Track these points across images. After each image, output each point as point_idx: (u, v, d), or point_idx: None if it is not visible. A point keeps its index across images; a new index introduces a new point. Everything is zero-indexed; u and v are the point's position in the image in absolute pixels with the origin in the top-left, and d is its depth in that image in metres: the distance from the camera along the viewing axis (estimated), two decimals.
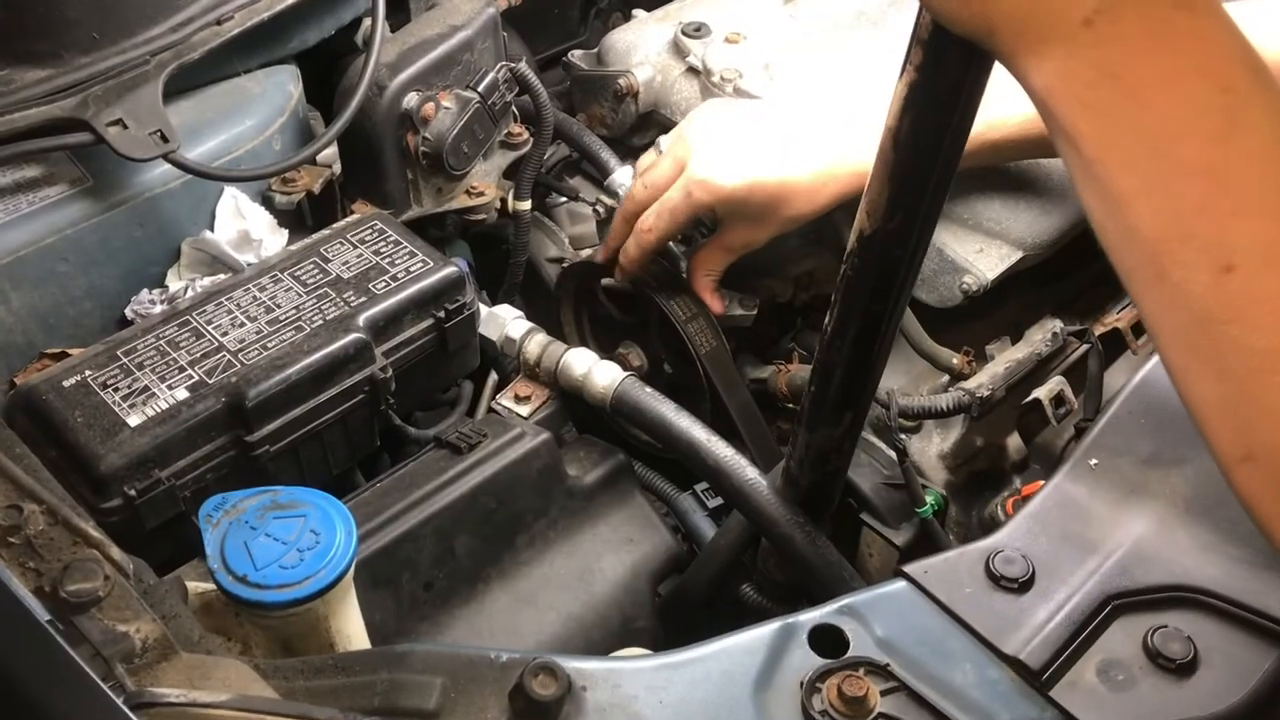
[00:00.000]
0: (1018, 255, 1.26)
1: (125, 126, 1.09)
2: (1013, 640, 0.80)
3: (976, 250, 1.27)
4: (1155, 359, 0.98)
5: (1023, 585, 0.83)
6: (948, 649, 0.80)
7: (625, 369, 1.23)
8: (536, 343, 1.24)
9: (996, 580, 0.84)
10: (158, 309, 1.14)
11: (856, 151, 1.13)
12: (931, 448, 1.33)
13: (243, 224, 1.19)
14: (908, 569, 0.86)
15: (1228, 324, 0.56)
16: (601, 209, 1.40)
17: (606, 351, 1.36)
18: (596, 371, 1.20)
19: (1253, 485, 0.59)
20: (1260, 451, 0.57)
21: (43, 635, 0.69)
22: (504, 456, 1.12)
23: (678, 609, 1.20)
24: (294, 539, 0.87)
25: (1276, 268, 0.56)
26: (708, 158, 1.16)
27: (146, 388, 1.01)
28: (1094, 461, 0.92)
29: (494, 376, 1.33)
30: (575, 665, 0.77)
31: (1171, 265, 0.57)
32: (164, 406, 1.00)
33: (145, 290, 1.16)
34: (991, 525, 1.28)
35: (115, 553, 0.78)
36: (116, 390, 1.01)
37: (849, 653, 0.80)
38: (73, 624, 0.74)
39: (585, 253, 1.46)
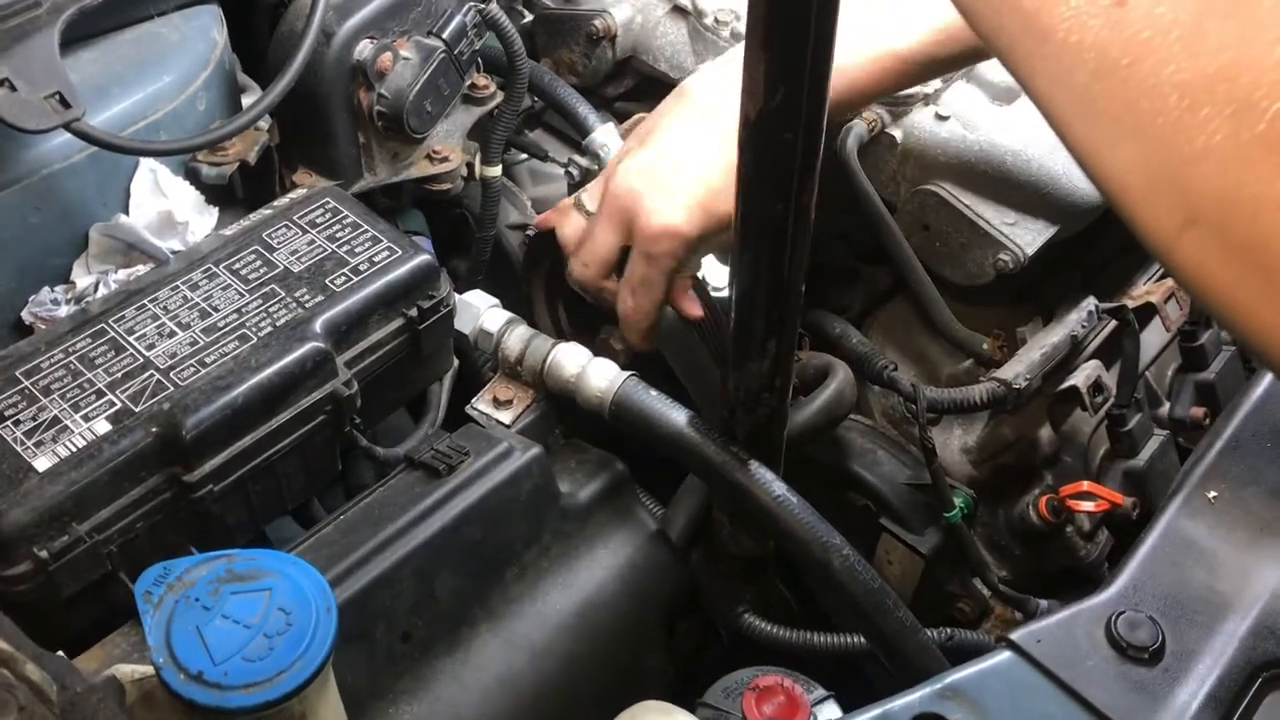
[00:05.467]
0: (1054, 228, 1.14)
1: (13, 88, 0.88)
2: None
3: (1009, 223, 1.15)
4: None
5: (1153, 655, 0.71)
6: None
7: (609, 356, 1.06)
8: (518, 337, 1.07)
9: (1122, 649, 0.71)
10: (63, 311, 0.94)
11: None
12: (953, 441, 1.22)
13: (164, 203, 1.00)
14: (1015, 638, 0.72)
15: (1134, 64, 0.49)
16: (576, 171, 1.23)
17: (582, 331, 1.20)
18: (591, 371, 1.03)
19: (1201, 255, 0.49)
20: (1200, 210, 0.48)
21: None
22: (490, 478, 0.97)
23: None
24: (258, 621, 0.70)
25: None
26: (654, 207, 0.99)
27: (56, 419, 0.82)
28: (1213, 494, 0.79)
29: (453, 367, 1.14)
30: None
31: (1055, 20, 0.52)
32: (80, 444, 0.81)
33: (46, 288, 0.97)
34: (1022, 526, 1.17)
35: (31, 670, 0.60)
36: (18, 424, 0.82)
37: None
38: None
39: None
